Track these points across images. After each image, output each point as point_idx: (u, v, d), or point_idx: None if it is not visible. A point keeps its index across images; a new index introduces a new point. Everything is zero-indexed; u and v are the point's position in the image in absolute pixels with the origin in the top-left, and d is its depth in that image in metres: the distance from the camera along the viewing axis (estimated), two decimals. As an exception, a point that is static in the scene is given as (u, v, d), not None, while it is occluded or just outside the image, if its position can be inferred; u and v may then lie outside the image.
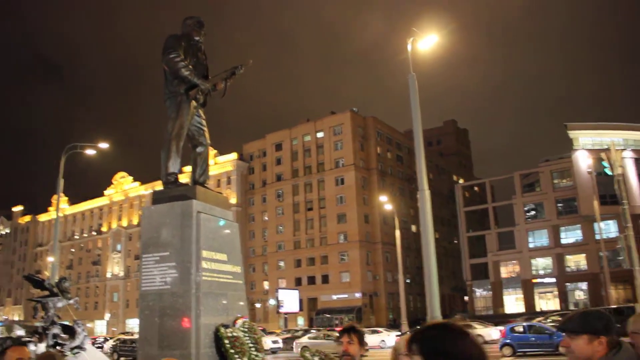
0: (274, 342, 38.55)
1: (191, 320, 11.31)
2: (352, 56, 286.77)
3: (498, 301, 73.33)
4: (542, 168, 73.29)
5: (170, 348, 11.31)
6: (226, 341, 11.53)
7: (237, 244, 13.31)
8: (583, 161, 65.13)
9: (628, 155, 65.59)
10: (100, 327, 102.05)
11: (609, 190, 47.96)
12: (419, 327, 2.08)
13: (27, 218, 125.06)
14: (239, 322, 12.26)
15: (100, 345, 47.41)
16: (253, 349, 12.21)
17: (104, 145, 28.74)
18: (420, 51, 17.57)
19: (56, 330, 25.16)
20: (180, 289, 11.51)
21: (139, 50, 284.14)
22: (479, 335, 32.55)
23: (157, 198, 12.53)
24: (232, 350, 11.48)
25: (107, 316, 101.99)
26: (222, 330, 11.64)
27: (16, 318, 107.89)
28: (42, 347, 23.24)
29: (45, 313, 25.99)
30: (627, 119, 78.14)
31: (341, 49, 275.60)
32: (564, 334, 2.61)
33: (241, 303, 13.11)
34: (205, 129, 12.60)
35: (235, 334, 11.75)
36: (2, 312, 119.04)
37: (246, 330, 12.28)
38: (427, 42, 17.31)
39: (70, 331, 25.94)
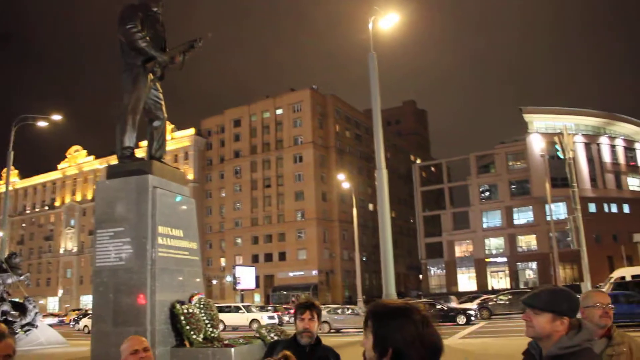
0: (270, 317, 36.45)
1: (146, 297, 11.17)
2: (314, 33, 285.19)
3: (452, 279, 74.90)
4: (497, 150, 74.73)
5: (124, 325, 11.16)
6: (182, 318, 11.44)
7: (194, 220, 13.16)
8: (536, 144, 66.75)
9: (579, 139, 67.48)
10: (52, 303, 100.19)
11: (560, 173, 49.22)
12: (380, 301, 1.97)
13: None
14: (195, 298, 12.17)
15: (76, 321, 45.66)
16: (209, 325, 12.16)
17: (57, 117, 27.93)
18: (382, 30, 17.54)
19: (6, 307, 24.58)
20: (136, 265, 11.33)
21: (97, 21, 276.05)
22: (469, 309, 33.41)
23: (112, 172, 12.26)
24: (187, 327, 11.41)
25: (60, 292, 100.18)
26: (178, 306, 11.54)
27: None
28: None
29: (-7, 289, 25.24)
30: (581, 105, 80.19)
31: (303, 25, 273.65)
32: (528, 308, 2.62)
33: (197, 279, 13.00)
34: (163, 102, 12.32)
35: (191, 311, 11.67)
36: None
37: (202, 306, 12.21)
38: (389, 21, 17.28)
39: (21, 308, 25.36)
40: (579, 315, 2.77)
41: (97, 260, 11.86)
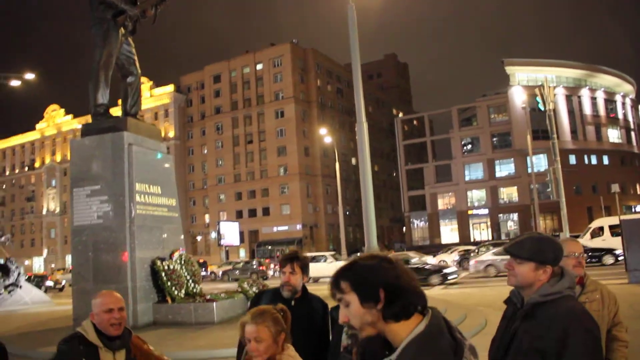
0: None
1: (126, 254, 11.20)
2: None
3: (435, 232, 75.76)
4: (479, 103, 74.64)
5: (105, 282, 11.20)
6: (163, 274, 11.52)
7: (172, 177, 13.09)
8: (518, 97, 66.67)
9: (560, 92, 67.54)
10: (38, 264, 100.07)
11: (541, 126, 49.49)
12: (342, 265, 1.84)
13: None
14: (176, 255, 12.22)
15: None
16: (190, 281, 12.24)
17: (30, 76, 27.27)
18: (360, -20, 17.19)
19: (-13, 268, 24.47)
20: (114, 223, 11.32)
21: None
22: (443, 260, 33.88)
23: (86, 130, 12.11)
24: (169, 283, 11.49)
25: (45, 253, 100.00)
26: (159, 263, 11.60)
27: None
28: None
29: (-27, 251, 25.13)
30: (563, 56, 79.87)
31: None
32: (511, 257, 2.59)
33: (177, 236, 13.04)
34: (135, 57, 12.09)
35: (171, 267, 11.73)
36: None
37: (183, 263, 12.27)
38: (367, -30, 16.93)
39: (3, 269, 25.34)
40: None
41: (75, 219, 11.82)
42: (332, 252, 40.37)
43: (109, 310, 3.09)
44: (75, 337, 3.10)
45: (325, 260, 34.23)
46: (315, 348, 3.46)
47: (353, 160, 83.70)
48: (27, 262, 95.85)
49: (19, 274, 24.84)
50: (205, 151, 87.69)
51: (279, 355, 2.65)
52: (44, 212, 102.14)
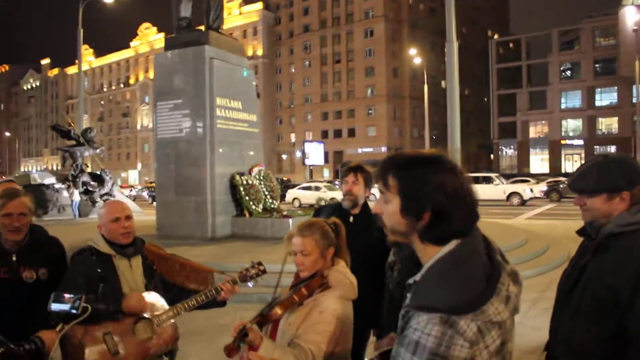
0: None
1: (206, 168, 11.41)
2: None
3: (524, 161, 73.21)
4: (584, 25, 69.32)
5: (186, 194, 11.53)
6: (241, 188, 11.70)
7: (253, 92, 13.05)
8: (630, 18, 61.24)
9: (683, 12, 61.32)
10: (133, 176, 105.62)
11: (655, 51, 45.68)
12: (394, 153, 1.56)
13: (56, 71, 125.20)
14: (255, 170, 12.36)
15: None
16: (268, 196, 12.39)
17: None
18: None
19: (85, 178, 26.11)
20: (195, 137, 11.52)
21: None
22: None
23: (169, 44, 12.20)
24: (247, 198, 11.68)
25: (139, 166, 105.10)
26: (238, 177, 11.77)
27: (55, 168, 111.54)
28: (76, 194, 24.32)
29: (73, 162, 26.80)
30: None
31: None
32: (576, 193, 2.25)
33: (257, 152, 13.13)
34: (217, -31, 11.88)
35: (250, 182, 11.88)
36: (42, 161, 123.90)
37: (262, 178, 12.40)
38: None
39: (98, 179, 26.90)
40: None
41: (159, 132, 12.11)
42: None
43: (115, 220, 3.03)
44: (87, 249, 3.08)
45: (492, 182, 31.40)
46: (371, 266, 3.29)
47: (443, 84, 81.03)
48: (123, 175, 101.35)
49: (112, 184, 26.27)
50: (293, 70, 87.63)
51: (327, 271, 2.51)
52: (138, 127, 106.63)
